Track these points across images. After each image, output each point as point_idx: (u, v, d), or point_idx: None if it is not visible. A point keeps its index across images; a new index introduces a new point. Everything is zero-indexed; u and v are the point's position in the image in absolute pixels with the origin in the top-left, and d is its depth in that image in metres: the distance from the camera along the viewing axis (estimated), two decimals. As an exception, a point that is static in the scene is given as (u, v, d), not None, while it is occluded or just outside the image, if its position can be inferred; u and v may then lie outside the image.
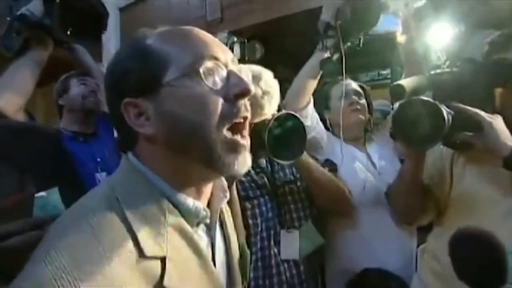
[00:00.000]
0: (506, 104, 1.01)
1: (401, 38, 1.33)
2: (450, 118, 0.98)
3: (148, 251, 0.51)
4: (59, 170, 0.94)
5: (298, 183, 1.33)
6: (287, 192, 1.31)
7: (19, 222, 0.68)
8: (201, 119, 0.55)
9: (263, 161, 1.32)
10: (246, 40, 1.67)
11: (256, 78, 1.05)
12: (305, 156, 1.16)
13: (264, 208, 1.26)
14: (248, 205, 1.25)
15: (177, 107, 0.55)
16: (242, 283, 0.73)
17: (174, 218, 0.57)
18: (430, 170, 1.24)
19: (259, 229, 1.25)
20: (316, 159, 1.36)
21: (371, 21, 1.23)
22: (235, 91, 0.57)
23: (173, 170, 0.58)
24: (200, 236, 0.63)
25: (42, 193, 0.77)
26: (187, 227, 0.58)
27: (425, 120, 0.99)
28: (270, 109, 1.06)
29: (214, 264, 0.63)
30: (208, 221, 0.64)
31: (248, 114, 0.60)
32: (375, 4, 1.23)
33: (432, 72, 1.10)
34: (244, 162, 0.59)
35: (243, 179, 1.27)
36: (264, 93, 1.04)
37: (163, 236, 0.54)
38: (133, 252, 0.51)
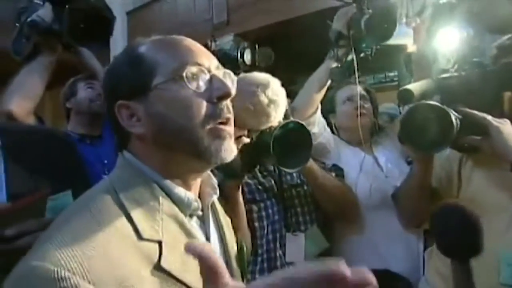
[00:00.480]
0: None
1: (412, 48, 1.33)
2: (458, 122, 0.98)
3: (145, 234, 0.56)
4: (71, 173, 0.96)
5: (305, 187, 1.33)
6: (294, 196, 1.31)
7: (32, 222, 0.71)
8: (186, 120, 0.60)
9: (273, 166, 1.32)
10: (257, 46, 1.69)
11: (263, 86, 1.06)
12: (310, 163, 1.16)
13: (270, 211, 1.27)
14: (254, 207, 1.25)
15: (164, 109, 0.60)
16: (242, 278, 0.75)
17: (168, 206, 0.61)
18: (438, 173, 1.24)
19: (265, 231, 1.25)
20: (323, 163, 1.36)
21: (386, 34, 1.23)
22: (217, 93, 0.62)
23: (163, 164, 0.63)
24: (194, 227, 0.66)
25: (55, 196, 0.78)
26: (181, 215, 0.62)
27: (433, 125, 0.99)
28: (276, 117, 1.07)
29: None
30: (200, 213, 0.68)
31: (231, 116, 0.65)
32: (390, 17, 1.23)
33: (440, 76, 1.10)
34: (230, 149, 0.64)
35: (250, 181, 1.28)
36: (271, 101, 1.05)
37: (158, 222, 0.58)
38: (132, 234, 0.55)
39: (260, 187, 1.28)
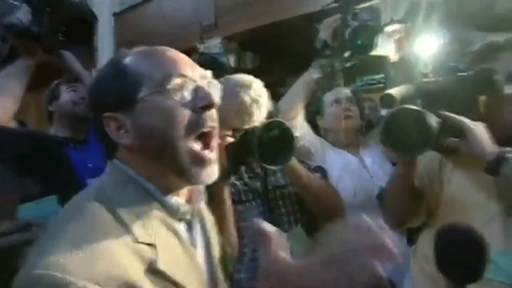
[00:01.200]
0: (489, 111, 1.04)
1: (394, 58, 1.37)
2: (438, 126, 1.01)
3: (140, 238, 0.57)
4: (60, 175, 0.96)
5: (290, 188, 1.35)
6: (279, 196, 1.33)
7: (5, 223, 0.71)
8: (170, 129, 0.62)
9: (256, 166, 1.34)
10: (241, 51, 1.73)
11: (246, 87, 1.10)
12: (294, 163, 1.19)
13: (255, 211, 1.29)
14: (240, 208, 1.27)
15: (150, 120, 0.62)
16: (226, 279, 0.78)
17: (158, 211, 0.63)
18: (421, 174, 1.27)
19: (251, 231, 1.26)
20: (307, 165, 1.38)
21: (368, 46, 1.26)
22: (201, 103, 0.64)
23: (151, 173, 0.65)
24: (183, 230, 0.68)
25: (40, 200, 0.78)
26: (171, 219, 0.64)
27: (413, 128, 1.02)
28: (259, 116, 1.10)
29: (199, 258, 0.69)
30: (188, 217, 0.70)
31: (215, 124, 0.67)
32: (373, 29, 1.26)
33: (420, 81, 1.13)
34: (211, 174, 0.66)
35: (236, 182, 1.29)
36: (253, 101, 1.09)
37: (150, 226, 0.60)
38: (127, 238, 0.57)
39: (246, 188, 1.30)
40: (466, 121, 1.00)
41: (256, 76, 1.27)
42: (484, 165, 0.97)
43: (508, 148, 0.99)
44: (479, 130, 0.99)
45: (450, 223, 0.83)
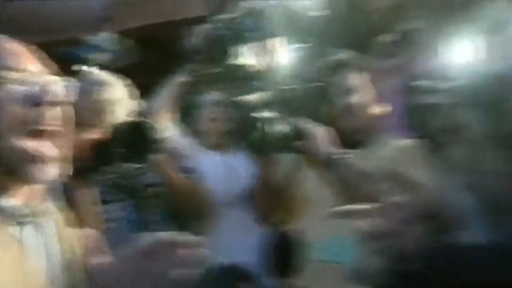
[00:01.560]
0: (333, 119, 1.21)
1: (258, 66, 1.47)
2: (289, 130, 1.15)
3: None
4: None
5: (160, 187, 1.37)
6: (148, 195, 1.34)
7: None
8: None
9: (124, 165, 1.33)
10: (129, 47, 1.68)
11: (104, 86, 1.10)
12: (162, 161, 1.21)
13: (125, 211, 1.28)
14: (108, 208, 1.25)
15: None
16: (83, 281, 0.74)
17: None
18: (282, 173, 1.41)
19: (120, 231, 1.25)
20: (177, 165, 1.42)
21: (228, 54, 1.35)
22: (37, 100, 0.60)
23: None
24: (16, 234, 0.62)
25: None
26: (3, 223, 0.58)
27: (272, 132, 1.14)
28: (118, 115, 1.11)
29: (36, 264, 0.64)
30: (29, 220, 0.64)
31: (57, 122, 0.63)
32: (237, 38, 1.35)
33: (278, 89, 1.26)
34: (47, 172, 0.61)
35: (104, 182, 1.27)
36: (110, 100, 1.09)
37: None
38: None
39: (113, 187, 1.28)
40: (309, 125, 1.16)
41: (139, 74, 1.26)
42: (320, 163, 1.13)
43: (345, 150, 1.18)
44: (319, 133, 1.15)
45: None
